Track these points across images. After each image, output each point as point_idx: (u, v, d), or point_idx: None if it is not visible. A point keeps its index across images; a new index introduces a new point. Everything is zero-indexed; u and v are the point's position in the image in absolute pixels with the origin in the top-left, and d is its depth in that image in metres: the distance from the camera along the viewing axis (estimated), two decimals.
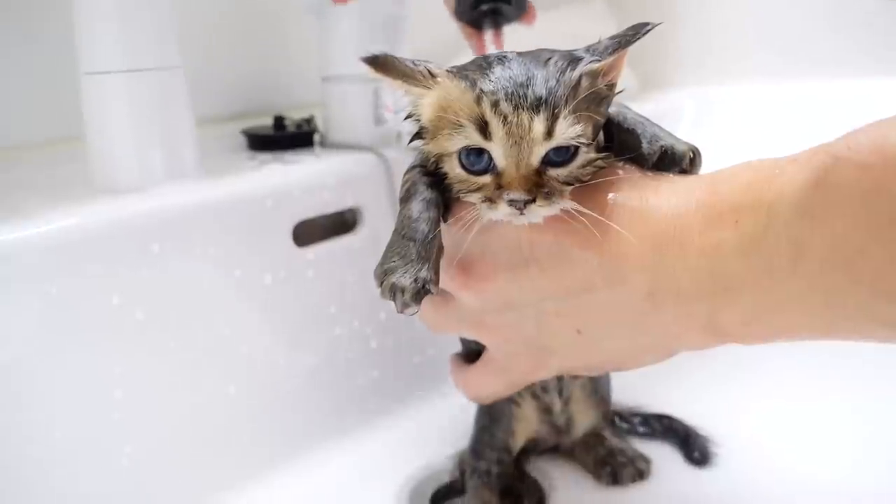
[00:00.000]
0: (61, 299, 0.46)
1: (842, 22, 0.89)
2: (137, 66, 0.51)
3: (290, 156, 0.64)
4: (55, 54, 0.62)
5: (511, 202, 0.35)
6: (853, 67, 0.84)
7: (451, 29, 0.64)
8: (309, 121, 0.70)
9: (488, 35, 0.58)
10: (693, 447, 0.52)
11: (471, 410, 0.51)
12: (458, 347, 0.50)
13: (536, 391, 0.49)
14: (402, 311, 0.37)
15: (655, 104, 0.88)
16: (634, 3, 1.00)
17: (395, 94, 0.67)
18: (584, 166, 0.36)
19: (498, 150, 0.35)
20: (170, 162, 0.54)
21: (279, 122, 0.69)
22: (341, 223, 0.62)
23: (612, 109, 0.39)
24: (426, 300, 0.37)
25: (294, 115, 0.70)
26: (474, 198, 0.36)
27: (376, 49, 0.37)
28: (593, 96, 0.36)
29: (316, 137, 0.69)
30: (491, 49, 0.59)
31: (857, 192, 0.29)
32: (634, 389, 0.57)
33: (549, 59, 0.35)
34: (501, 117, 0.34)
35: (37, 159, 0.62)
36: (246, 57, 0.76)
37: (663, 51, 1.02)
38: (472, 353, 0.47)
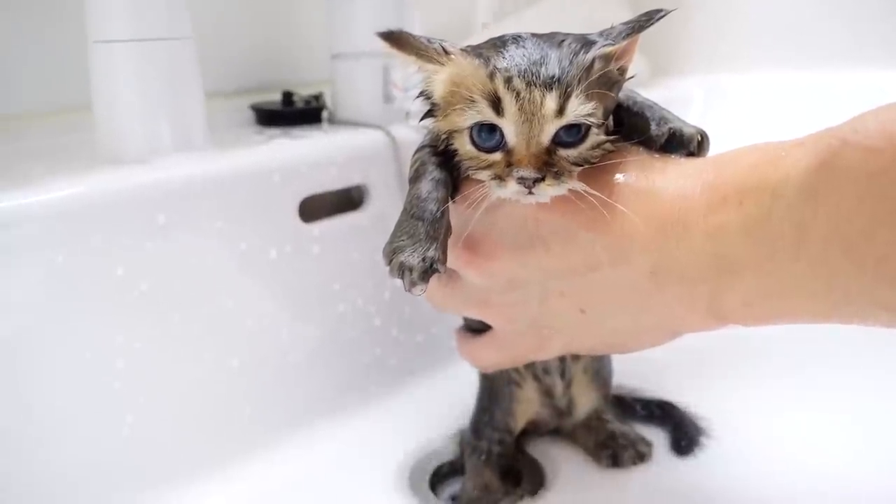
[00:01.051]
0: (65, 268, 0.45)
1: (853, 13, 0.88)
2: (147, 35, 0.51)
3: (297, 131, 0.63)
4: (64, 21, 0.61)
5: (520, 179, 0.35)
6: (863, 58, 0.83)
7: (460, 12, 0.63)
8: (318, 97, 0.70)
9: None
10: (681, 436, 0.52)
11: (473, 390, 0.51)
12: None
13: (538, 373, 0.49)
14: (409, 290, 0.37)
15: (665, 91, 0.88)
16: None
17: (404, 72, 0.67)
18: (593, 148, 0.36)
19: (510, 126, 0.35)
20: (177, 134, 0.53)
21: (288, 97, 0.69)
22: (348, 200, 0.62)
23: (622, 94, 0.39)
24: (433, 279, 0.37)
25: (303, 92, 0.70)
26: (484, 175, 0.37)
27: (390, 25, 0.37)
28: (605, 79, 0.36)
29: (324, 114, 0.68)
30: None
31: (863, 175, 0.29)
32: (652, 376, 0.57)
33: (563, 40, 0.35)
34: (514, 93, 0.34)
35: (44, 127, 0.61)
36: (256, 32, 0.75)
37: (674, 38, 1.01)
38: (475, 330, 0.48)
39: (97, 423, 0.47)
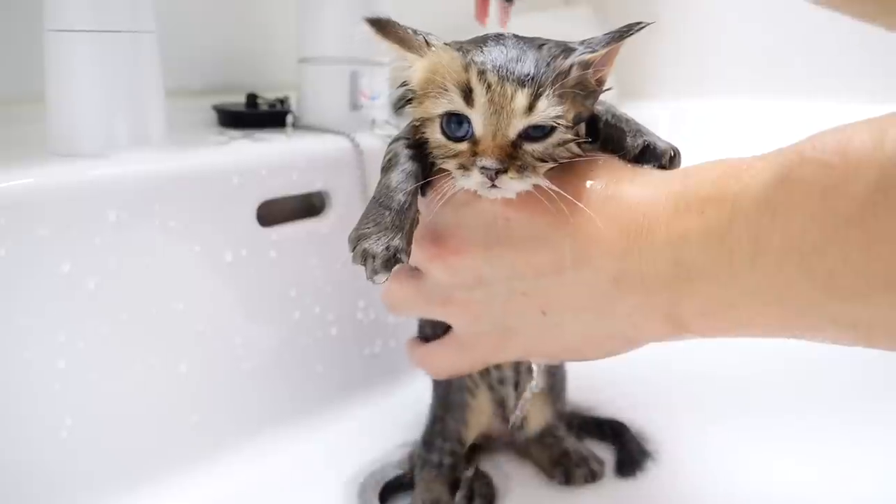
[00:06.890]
0: (8, 261, 0.44)
1: (815, 46, 0.91)
2: (107, 26, 0.49)
3: (260, 134, 0.62)
4: (17, 7, 0.59)
5: (483, 169, 0.35)
6: (823, 89, 0.86)
7: (434, 19, 0.63)
8: (283, 101, 0.69)
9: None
10: (625, 457, 0.52)
11: (426, 403, 0.51)
12: None
13: (493, 383, 0.49)
14: (370, 278, 0.37)
15: (631, 114, 0.88)
16: (619, 11, 1.01)
17: (372, 79, 0.66)
18: (559, 145, 0.37)
19: (478, 117, 0.36)
20: (134, 129, 0.52)
21: (252, 99, 0.68)
22: (308, 207, 0.61)
23: (600, 107, 0.40)
24: (394, 277, 0.37)
25: (268, 95, 0.69)
26: (451, 164, 0.37)
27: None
28: (581, 87, 0.37)
29: (288, 118, 0.67)
30: (493, 17, 0.55)
31: (818, 191, 0.30)
32: (617, 397, 0.57)
33: (544, 45, 0.36)
34: (485, 85, 0.35)
35: None
36: (223, 31, 0.74)
37: (641, 63, 1.03)
38: (429, 339, 0.47)
39: (34, 425, 0.45)
